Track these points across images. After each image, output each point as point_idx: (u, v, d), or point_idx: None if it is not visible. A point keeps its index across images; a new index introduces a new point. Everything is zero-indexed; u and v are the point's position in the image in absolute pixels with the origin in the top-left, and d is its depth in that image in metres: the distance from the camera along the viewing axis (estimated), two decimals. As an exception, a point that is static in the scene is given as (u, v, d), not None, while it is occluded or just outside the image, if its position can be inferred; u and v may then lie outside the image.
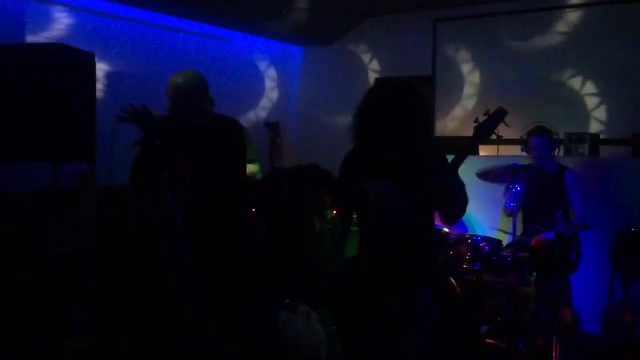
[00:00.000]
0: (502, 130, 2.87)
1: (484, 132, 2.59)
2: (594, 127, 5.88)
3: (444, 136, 6.63)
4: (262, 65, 7.25)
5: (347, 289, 2.76)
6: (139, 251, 4.17)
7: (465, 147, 2.56)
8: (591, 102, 5.95)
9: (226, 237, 3.33)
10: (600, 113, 5.91)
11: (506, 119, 2.62)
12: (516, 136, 5.35)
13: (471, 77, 6.62)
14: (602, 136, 5.80)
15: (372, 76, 7.16)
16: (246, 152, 3.54)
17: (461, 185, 2.64)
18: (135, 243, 4.24)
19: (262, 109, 7.20)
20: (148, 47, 5.75)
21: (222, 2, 5.78)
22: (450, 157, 2.58)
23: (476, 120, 2.68)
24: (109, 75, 5.35)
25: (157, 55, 5.78)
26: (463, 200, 2.68)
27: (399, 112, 2.62)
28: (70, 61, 3.87)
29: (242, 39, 6.87)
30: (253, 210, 5.12)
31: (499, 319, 4.54)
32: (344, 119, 7.16)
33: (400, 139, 2.62)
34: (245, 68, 6.96)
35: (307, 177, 6.28)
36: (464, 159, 2.54)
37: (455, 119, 6.68)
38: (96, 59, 4.08)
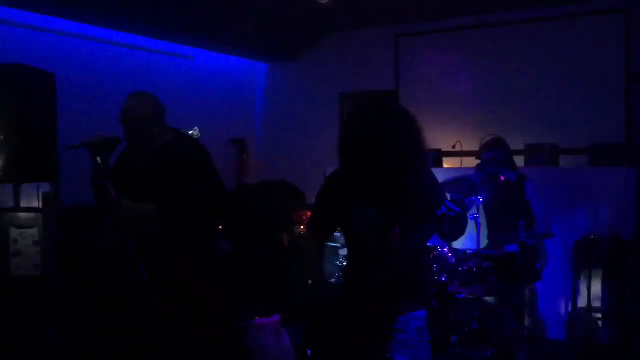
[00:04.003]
0: (465, 143, 2.91)
1: None
2: (553, 138, 6.02)
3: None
4: (227, 81, 7.25)
5: (343, 314, 2.56)
6: (102, 270, 4.13)
7: None
8: (550, 113, 6.10)
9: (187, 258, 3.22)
10: (559, 124, 6.05)
11: (466, 132, 2.66)
12: (477, 149, 5.44)
13: (434, 90, 6.71)
14: (560, 146, 5.94)
15: (336, 91, 7.21)
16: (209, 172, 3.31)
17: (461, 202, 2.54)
18: (98, 262, 4.19)
19: (228, 126, 7.18)
20: (110, 65, 5.71)
21: (185, 19, 5.78)
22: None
23: (454, 147, 2.66)
24: (70, 95, 5.28)
25: (119, 74, 5.73)
26: (466, 218, 2.64)
27: (390, 137, 2.45)
28: (31, 81, 3.83)
29: (206, 55, 6.88)
30: (220, 227, 5.09)
31: (466, 329, 4.59)
32: (310, 134, 7.20)
33: (389, 167, 2.45)
34: (210, 85, 6.95)
35: (274, 193, 6.30)
36: None
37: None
38: (57, 79, 4.04)
